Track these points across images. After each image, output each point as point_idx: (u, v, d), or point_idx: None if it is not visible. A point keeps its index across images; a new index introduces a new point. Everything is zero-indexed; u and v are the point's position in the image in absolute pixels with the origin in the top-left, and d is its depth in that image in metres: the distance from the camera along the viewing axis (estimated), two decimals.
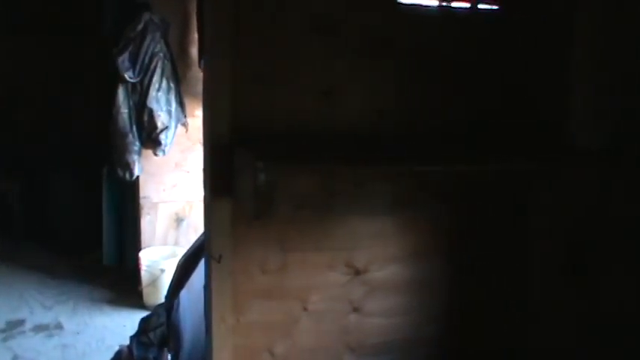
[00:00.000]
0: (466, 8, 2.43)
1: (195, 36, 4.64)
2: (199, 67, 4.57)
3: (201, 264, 2.64)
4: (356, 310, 2.38)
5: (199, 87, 4.39)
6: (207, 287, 2.19)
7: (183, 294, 2.91)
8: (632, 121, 2.28)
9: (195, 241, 3.02)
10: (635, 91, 2.27)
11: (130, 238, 5.14)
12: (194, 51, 4.73)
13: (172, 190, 4.91)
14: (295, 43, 2.15)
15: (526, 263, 2.59)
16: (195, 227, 4.82)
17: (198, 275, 2.82)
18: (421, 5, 2.37)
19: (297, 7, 2.15)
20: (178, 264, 3.03)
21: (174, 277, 3.03)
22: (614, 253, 2.42)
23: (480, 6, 2.44)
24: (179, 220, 4.96)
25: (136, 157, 4.62)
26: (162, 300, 3.37)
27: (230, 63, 2.01)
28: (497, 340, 2.61)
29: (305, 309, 2.30)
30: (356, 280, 2.36)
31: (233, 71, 2.02)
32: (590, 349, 2.53)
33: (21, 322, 4.46)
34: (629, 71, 2.30)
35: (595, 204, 2.43)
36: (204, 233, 2.22)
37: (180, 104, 4.73)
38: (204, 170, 2.09)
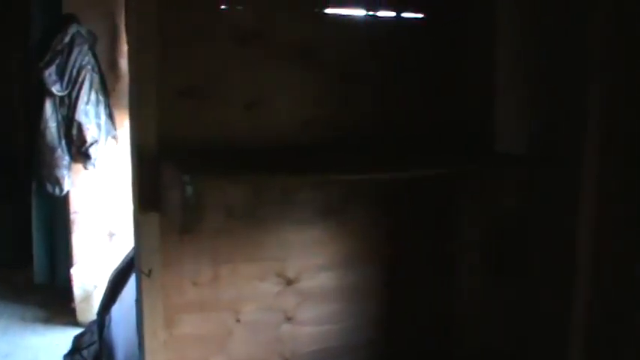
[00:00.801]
0: (391, 17, 2.46)
1: (124, 48, 4.59)
2: None
3: (133, 279, 2.62)
4: (289, 319, 2.39)
5: None
6: (138, 302, 2.17)
7: (115, 309, 2.88)
8: (553, 128, 2.36)
9: (126, 256, 2.99)
10: (554, 100, 2.35)
11: (61, 255, 5.04)
12: (123, 63, 4.68)
13: (104, 204, 4.85)
14: (222, 54, 2.15)
15: (453, 265, 2.66)
16: (127, 241, 4.76)
17: (129, 290, 2.79)
18: (346, 15, 2.40)
19: (223, 19, 2.16)
20: (109, 279, 3.00)
21: (105, 292, 3.00)
22: (534, 253, 2.50)
23: (405, 15, 2.48)
24: (111, 235, 4.89)
25: (65, 171, 4.55)
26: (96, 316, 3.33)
27: (155, 75, 2.00)
28: (428, 343, 2.66)
29: (238, 320, 2.30)
30: (288, 290, 2.38)
31: (159, 84, 2.01)
32: (517, 348, 2.60)
33: None
34: (548, 81, 2.38)
35: (515, 207, 2.51)
36: (134, 247, 2.20)
37: (110, 117, 4.69)
38: (132, 184, 2.08)
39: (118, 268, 3.01)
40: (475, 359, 2.69)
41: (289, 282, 2.37)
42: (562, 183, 2.30)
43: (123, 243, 4.81)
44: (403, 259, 2.56)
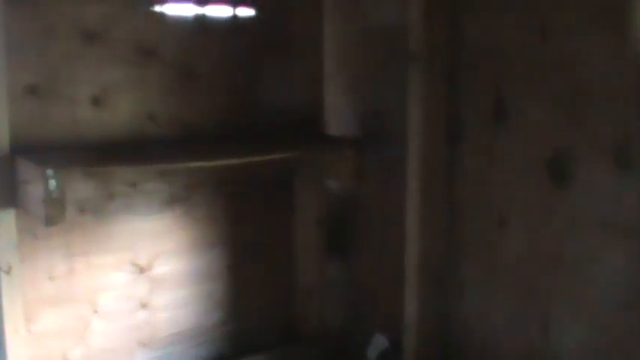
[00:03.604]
0: (225, 16, 2.58)
1: None
2: None
3: None
4: (144, 306, 2.48)
5: None
6: None
7: None
8: (380, 110, 2.60)
9: None
10: (380, 84, 2.59)
11: None
12: None
13: None
14: (67, 52, 2.19)
15: (293, 245, 2.85)
16: None
17: None
18: (183, 15, 2.48)
19: (67, 19, 2.19)
20: None
21: None
22: (368, 229, 2.72)
23: (238, 12, 2.60)
24: None
25: None
26: None
27: (3, 75, 2.01)
28: (274, 319, 2.85)
29: (95, 311, 2.36)
30: (141, 278, 2.46)
31: (8, 83, 2.01)
32: (357, 320, 2.82)
33: None
34: (374, 66, 2.61)
35: (348, 186, 2.73)
36: None
37: None
38: None
39: None
40: (318, 334, 2.90)
41: (142, 270, 2.46)
42: (390, 161, 2.54)
43: None
44: (246, 241, 2.73)
